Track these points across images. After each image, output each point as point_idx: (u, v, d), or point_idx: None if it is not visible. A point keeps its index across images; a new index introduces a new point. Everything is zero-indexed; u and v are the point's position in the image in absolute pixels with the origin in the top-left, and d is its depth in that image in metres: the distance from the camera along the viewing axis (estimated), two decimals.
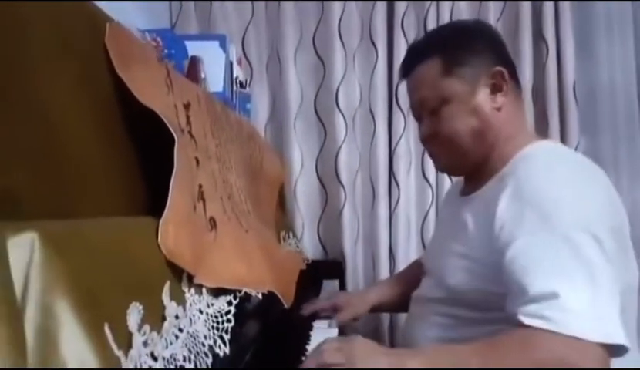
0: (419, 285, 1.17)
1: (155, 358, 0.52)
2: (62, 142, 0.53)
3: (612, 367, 0.83)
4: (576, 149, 1.86)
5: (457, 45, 1.03)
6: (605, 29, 1.97)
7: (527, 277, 0.81)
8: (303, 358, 0.90)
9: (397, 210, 1.91)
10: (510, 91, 1.01)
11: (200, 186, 0.80)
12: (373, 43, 1.92)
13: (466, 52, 1.01)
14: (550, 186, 0.88)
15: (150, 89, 0.68)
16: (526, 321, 0.79)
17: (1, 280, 0.34)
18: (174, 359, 0.57)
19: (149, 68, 0.72)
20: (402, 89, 1.90)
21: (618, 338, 0.76)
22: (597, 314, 0.78)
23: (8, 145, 0.45)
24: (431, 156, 1.13)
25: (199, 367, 0.62)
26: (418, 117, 1.10)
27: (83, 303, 0.41)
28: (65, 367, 0.38)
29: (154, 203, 0.69)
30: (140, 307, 0.51)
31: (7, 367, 0.32)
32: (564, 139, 1.89)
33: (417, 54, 1.06)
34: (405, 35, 1.90)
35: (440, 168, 1.15)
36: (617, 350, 0.77)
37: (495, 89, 1.00)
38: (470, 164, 1.05)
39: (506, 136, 1.00)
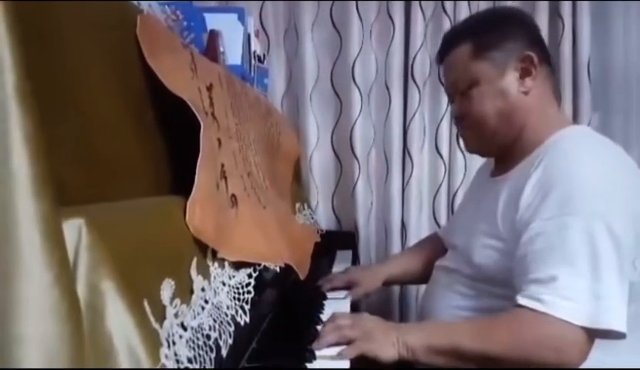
0: (445, 256, 1.22)
1: (185, 328, 0.57)
2: (99, 132, 0.58)
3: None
4: (588, 126, 1.88)
5: (488, 30, 1.06)
6: (622, 8, 1.95)
7: (534, 262, 0.87)
8: (318, 327, 0.96)
9: (410, 184, 1.95)
10: (539, 75, 1.04)
11: (222, 166, 0.85)
12: (390, 17, 1.93)
13: (497, 37, 1.04)
14: (576, 173, 0.91)
15: (178, 76, 0.72)
16: (520, 300, 0.86)
17: (60, 259, 0.39)
18: (201, 328, 0.62)
19: (175, 56, 0.76)
20: (418, 64, 1.92)
21: (608, 323, 0.82)
22: (592, 300, 0.83)
23: (53, 136, 0.49)
24: (462, 137, 1.17)
25: (223, 335, 0.67)
26: (451, 99, 1.15)
27: (125, 281, 0.46)
28: (110, 339, 0.43)
29: (178, 177, 0.74)
30: (172, 282, 0.55)
31: (70, 334, 0.37)
32: (575, 116, 1.91)
33: (451, 40, 1.11)
34: (422, 11, 1.91)
35: (469, 149, 1.17)
36: (614, 334, 0.83)
37: (524, 74, 1.03)
38: (498, 146, 1.09)
39: (535, 120, 1.03)
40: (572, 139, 0.99)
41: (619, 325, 0.83)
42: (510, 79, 1.03)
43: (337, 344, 0.90)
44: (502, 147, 1.08)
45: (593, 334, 0.85)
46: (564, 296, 0.84)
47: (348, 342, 0.90)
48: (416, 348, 0.90)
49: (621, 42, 1.97)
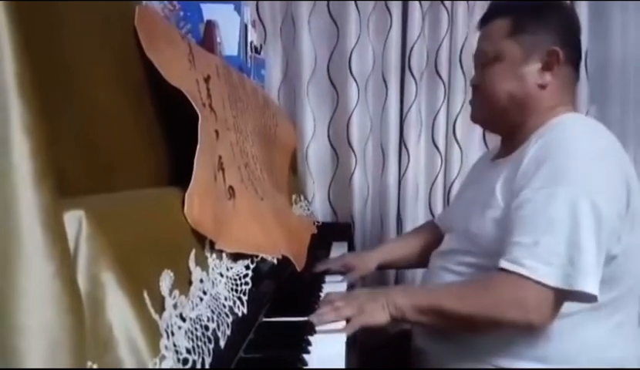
0: (441, 244, 1.24)
1: (183, 319, 0.57)
2: (99, 123, 0.58)
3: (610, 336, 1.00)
4: None
5: (530, 14, 1.09)
6: (620, 2, 1.95)
7: (519, 226, 0.93)
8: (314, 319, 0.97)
9: (406, 175, 1.95)
10: (561, 73, 1.06)
11: (220, 157, 0.85)
12: (388, 9, 1.92)
13: (534, 23, 1.07)
14: (569, 149, 0.96)
15: (176, 68, 0.72)
16: (502, 264, 0.92)
17: (61, 251, 0.39)
18: (199, 319, 0.62)
19: (174, 47, 0.75)
20: (415, 55, 1.92)
21: (581, 285, 0.88)
22: (568, 265, 0.89)
23: (55, 128, 0.49)
24: (471, 104, 1.21)
25: (221, 326, 0.68)
26: (475, 66, 1.18)
27: (125, 272, 0.46)
28: (111, 330, 0.43)
29: (177, 168, 0.74)
30: (171, 273, 0.56)
31: (71, 325, 0.37)
32: (573, 108, 1.90)
33: (495, 10, 1.14)
34: (420, 2, 1.90)
35: (474, 118, 1.21)
36: (587, 297, 0.90)
37: (546, 67, 1.06)
38: (503, 124, 1.13)
39: (543, 110, 1.06)
40: (571, 120, 1.04)
41: (591, 288, 0.88)
42: (532, 68, 1.06)
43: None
44: (507, 127, 1.12)
45: (566, 297, 0.91)
46: (543, 260, 0.89)
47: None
48: (404, 308, 0.98)
49: (619, 35, 1.97)
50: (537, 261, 0.89)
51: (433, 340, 1.13)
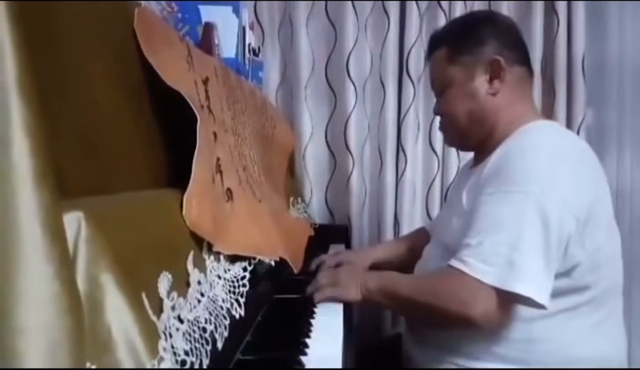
0: (422, 255, 1.27)
1: (181, 321, 0.57)
2: (98, 126, 0.58)
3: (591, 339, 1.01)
4: (582, 121, 1.89)
5: (461, 36, 1.14)
6: (617, 4, 1.96)
7: (470, 230, 0.97)
8: (312, 320, 0.97)
9: (403, 178, 1.95)
10: (509, 77, 1.10)
11: (218, 159, 0.85)
12: (385, 12, 1.93)
13: (469, 42, 1.12)
14: (523, 156, 0.99)
15: (175, 69, 0.72)
16: (450, 261, 0.97)
17: (60, 252, 0.39)
18: (197, 321, 0.62)
19: (172, 49, 0.76)
20: (413, 59, 1.92)
21: (514, 286, 0.90)
22: (506, 266, 0.91)
23: (55, 129, 0.49)
24: (442, 132, 1.27)
25: (219, 328, 0.68)
26: (435, 95, 1.24)
27: (124, 274, 0.46)
28: (109, 331, 0.43)
29: (176, 169, 0.74)
30: (169, 275, 0.56)
31: (71, 326, 0.37)
32: (570, 111, 1.92)
33: (433, 43, 1.21)
34: (417, 5, 1.91)
35: (448, 143, 1.30)
36: (530, 303, 0.91)
37: (492, 76, 1.10)
38: (472, 142, 1.18)
39: (507, 118, 1.10)
40: (533, 129, 1.06)
41: (531, 292, 0.90)
42: (480, 82, 1.11)
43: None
44: (476, 143, 1.17)
45: (511, 300, 0.93)
46: (483, 260, 0.92)
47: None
48: (372, 290, 1.06)
49: (616, 38, 1.98)
50: (477, 260, 0.92)
51: (418, 345, 1.15)
